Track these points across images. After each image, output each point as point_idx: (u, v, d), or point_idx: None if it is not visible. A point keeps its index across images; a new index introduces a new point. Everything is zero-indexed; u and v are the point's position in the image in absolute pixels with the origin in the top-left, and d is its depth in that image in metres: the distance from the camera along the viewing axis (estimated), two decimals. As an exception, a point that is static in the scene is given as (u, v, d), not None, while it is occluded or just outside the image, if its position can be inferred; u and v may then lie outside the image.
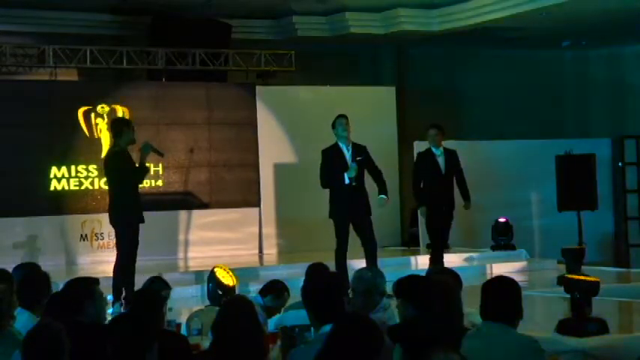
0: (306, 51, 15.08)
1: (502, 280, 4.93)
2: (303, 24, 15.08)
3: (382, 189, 10.40)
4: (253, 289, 11.42)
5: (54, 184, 13.16)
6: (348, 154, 10.28)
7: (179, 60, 13.99)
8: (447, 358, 3.61)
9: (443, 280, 5.30)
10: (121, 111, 13.52)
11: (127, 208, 9.75)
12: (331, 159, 10.28)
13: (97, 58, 13.55)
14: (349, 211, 10.21)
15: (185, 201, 13.96)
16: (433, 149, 11.17)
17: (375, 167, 10.46)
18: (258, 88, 14.52)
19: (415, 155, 13.98)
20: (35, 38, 14.00)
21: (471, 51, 16.55)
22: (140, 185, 10.17)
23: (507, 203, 14.67)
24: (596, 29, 15.21)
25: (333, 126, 10.45)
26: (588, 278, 7.35)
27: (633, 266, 15.13)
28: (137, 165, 9.73)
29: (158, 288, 6.57)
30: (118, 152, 9.74)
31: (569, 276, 7.46)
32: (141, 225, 13.52)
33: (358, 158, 10.26)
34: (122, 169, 9.71)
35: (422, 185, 11.19)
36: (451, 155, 11.23)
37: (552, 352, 6.20)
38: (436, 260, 11.05)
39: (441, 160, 11.14)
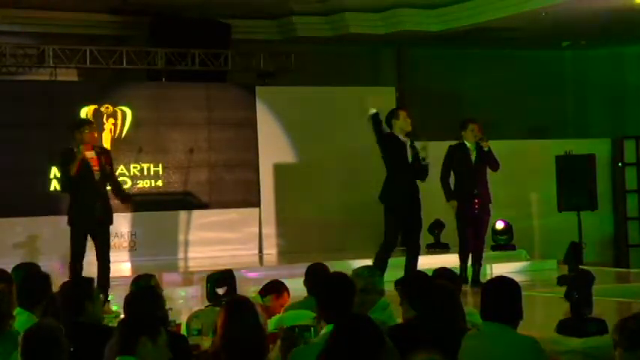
0: (306, 51, 15.07)
1: (502, 281, 4.93)
2: (303, 24, 15.08)
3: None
4: (253, 289, 11.44)
5: (54, 185, 13.15)
6: (405, 142, 10.23)
7: (179, 60, 13.98)
8: (428, 359, 3.62)
9: (443, 282, 5.31)
10: (120, 111, 13.53)
11: (69, 209, 9.91)
12: (392, 141, 10.18)
13: (97, 58, 13.55)
14: (405, 206, 10.16)
15: (185, 201, 13.96)
16: (467, 143, 11.11)
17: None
18: (257, 88, 14.51)
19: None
20: (35, 38, 14.00)
21: (471, 51, 16.55)
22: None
23: (507, 203, 14.65)
24: (596, 29, 15.20)
25: (396, 116, 10.31)
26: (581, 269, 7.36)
27: (633, 266, 15.13)
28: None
29: (144, 284, 6.55)
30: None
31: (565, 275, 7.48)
32: (140, 224, 13.58)
33: (412, 147, 10.25)
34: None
35: (452, 179, 11.13)
36: (480, 148, 11.13)
37: (552, 352, 6.20)
38: (463, 259, 11.01)
39: (473, 155, 11.10)
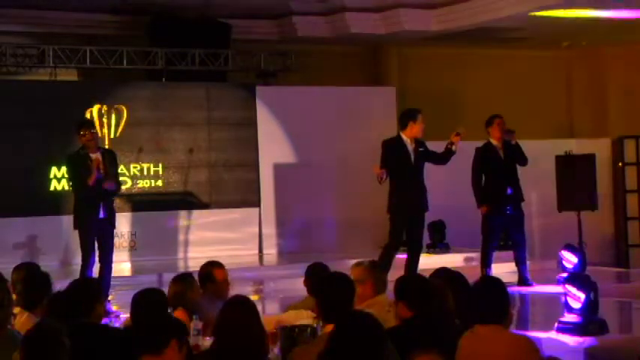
0: (306, 51, 15.07)
1: (491, 282, 4.92)
2: (303, 24, 15.07)
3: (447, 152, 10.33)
4: (252, 289, 11.44)
5: (54, 184, 13.16)
6: (409, 147, 10.23)
7: (179, 60, 13.98)
8: None
9: (436, 281, 5.31)
10: (120, 111, 13.54)
11: (75, 212, 9.99)
12: (390, 148, 10.19)
13: (97, 58, 13.54)
14: (409, 207, 10.16)
15: (185, 201, 13.96)
16: (493, 142, 11.04)
17: (435, 152, 10.46)
18: (258, 88, 14.51)
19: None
20: (35, 38, 14.00)
21: (471, 51, 16.54)
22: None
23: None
24: (596, 29, 15.20)
25: (414, 119, 10.31)
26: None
27: (633, 266, 15.13)
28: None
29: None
30: (69, 156, 10.15)
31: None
32: (140, 224, 13.55)
33: (420, 149, 10.23)
34: (69, 174, 10.43)
35: (483, 182, 11.07)
36: (507, 145, 11.06)
37: (552, 352, 6.20)
38: (484, 264, 10.96)
39: (501, 154, 11.03)
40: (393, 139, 10.33)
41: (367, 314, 4.22)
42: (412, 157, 10.23)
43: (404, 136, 10.25)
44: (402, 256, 10.54)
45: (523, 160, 11.12)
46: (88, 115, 13.07)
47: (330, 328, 4.59)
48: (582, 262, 10.72)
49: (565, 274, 10.08)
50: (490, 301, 4.70)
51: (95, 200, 9.81)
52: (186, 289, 6.34)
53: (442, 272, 5.90)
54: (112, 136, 13.47)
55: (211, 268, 6.89)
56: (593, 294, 7.15)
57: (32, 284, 5.91)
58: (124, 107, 13.57)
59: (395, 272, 10.16)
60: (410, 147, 10.24)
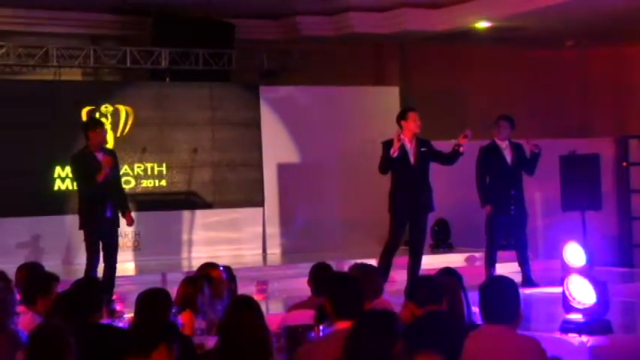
0: (310, 51, 15.07)
1: (501, 281, 4.90)
2: (307, 24, 15.08)
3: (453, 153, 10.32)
4: (256, 289, 11.44)
5: (58, 184, 13.17)
6: (407, 147, 10.21)
7: (183, 60, 13.99)
8: None
9: (447, 279, 5.30)
10: (124, 111, 13.55)
11: (81, 212, 9.99)
12: (388, 150, 10.18)
13: (101, 57, 13.56)
14: (410, 208, 10.16)
15: (188, 201, 13.97)
16: (497, 142, 11.03)
17: (441, 152, 10.44)
18: (261, 88, 14.52)
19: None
20: (39, 38, 14.01)
21: (473, 51, 16.53)
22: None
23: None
24: (598, 29, 15.19)
25: (405, 118, 10.30)
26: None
27: (637, 266, 15.11)
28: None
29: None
30: (75, 155, 10.12)
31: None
32: (144, 224, 13.56)
33: (422, 149, 10.23)
34: (76, 173, 10.23)
35: (487, 182, 11.06)
36: (518, 149, 11.09)
37: (556, 352, 6.20)
38: (489, 264, 10.96)
39: (507, 154, 11.04)
40: (392, 140, 10.33)
41: (384, 310, 4.23)
42: (411, 157, 10.23)
43: (402, 136, 10.25)
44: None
45: (532, 169, 11.09)
46: (86, 116, 13.08)
47: (341, 325, 4.59)
48: (591, 262, 10.70)
49: (568, 275, 10.06)
50: (499, 301, 4.67)
51: (103, 199, 9.81)
52: (197, 292, 6.33)
53: (444, 272, 5.90)
54: (117, 135, 13.47)
55: (208, 269, 6.92)
56: (604, 293, 7.14)
57: (36, 284, 5.92)
58: (128, 108, 13.58)
59: (396, 273, 10.25)
60: (409, 146, 10.24)
